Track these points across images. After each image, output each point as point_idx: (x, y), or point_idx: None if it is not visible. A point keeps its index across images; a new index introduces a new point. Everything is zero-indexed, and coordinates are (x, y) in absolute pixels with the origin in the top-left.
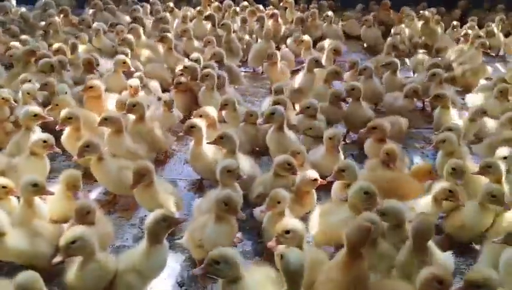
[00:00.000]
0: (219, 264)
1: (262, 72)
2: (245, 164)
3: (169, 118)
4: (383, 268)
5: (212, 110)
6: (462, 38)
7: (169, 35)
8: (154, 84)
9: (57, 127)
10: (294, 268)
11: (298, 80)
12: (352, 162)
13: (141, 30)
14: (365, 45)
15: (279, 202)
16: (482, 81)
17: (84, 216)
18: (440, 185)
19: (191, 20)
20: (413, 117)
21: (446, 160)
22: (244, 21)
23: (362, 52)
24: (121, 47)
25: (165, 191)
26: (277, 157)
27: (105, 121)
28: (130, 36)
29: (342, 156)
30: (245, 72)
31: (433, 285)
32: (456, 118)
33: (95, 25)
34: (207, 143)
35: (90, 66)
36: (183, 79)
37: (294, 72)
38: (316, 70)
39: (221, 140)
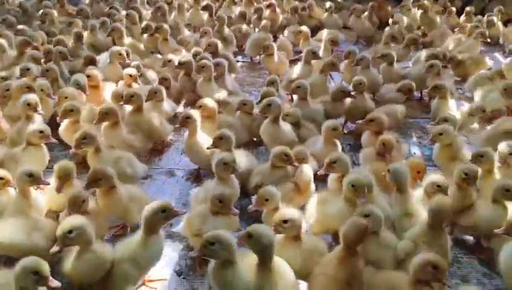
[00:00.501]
0: (214, 245)
1: (259, 62)
2: (241, 157)
3: (159, 108)
4: (386, 259)
5: (210, 102)
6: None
7: (165, 26)
8: (152, 74)
9: (58, 118)
10: (267, 242)
11: (296, 71)
12: (344, 154)
13: (137, 17)
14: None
15: (267, 200)
16: None
17: (78, 206)
18: (429, 179)
19: (187, 10)
20: (411, 107)
21: (443, 151)
22: (243, 16)
23: (360, 42)
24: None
25: (130, 197)
26: (274, 149)
27: (106, 115)
28: (119, 25)
29: (339, 147)
30: (242, 62)
31: (427, 270)
32: (454, 108)
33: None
34: (207, 149)
35: (91, 63)
36: (167, 76)
37: (292, 62)
38: (313, 61)
39: (220, 141)
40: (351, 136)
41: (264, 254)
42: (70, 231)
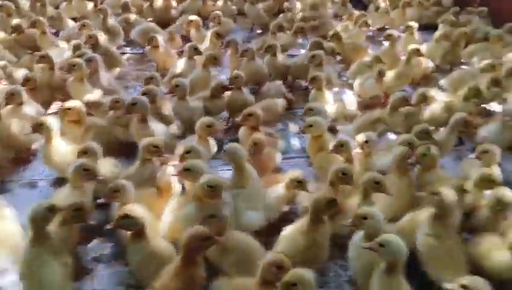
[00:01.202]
0: None
1: None
2: (107, 166)
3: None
4: (231, 262)
5: (78, 104)
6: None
7: (42, 19)
8: (21, 74)
9: None
10: None
11: (180, 66)
12: (199, 145)
13: (13, 8)
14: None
15: (117, 191)
16: None
17: None
18: (289, 175)
19: None
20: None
21: (313, 142)
22: (126, 7)
23: (255, 29)
24: None
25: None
26: (142, 141)
27: None
28: None
29: (213, 145)
30: (132, 53)
31: (271, 270)
32: (330, 100)
33: None
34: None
35: None
36: (31, 75)
37: (181, 54)
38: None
39: (85, 155)
40: (232, 131)
41: None
42: None
